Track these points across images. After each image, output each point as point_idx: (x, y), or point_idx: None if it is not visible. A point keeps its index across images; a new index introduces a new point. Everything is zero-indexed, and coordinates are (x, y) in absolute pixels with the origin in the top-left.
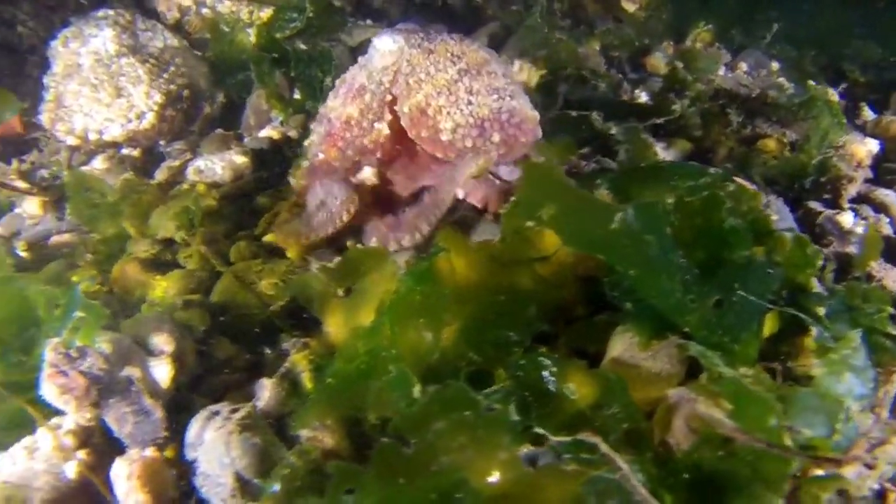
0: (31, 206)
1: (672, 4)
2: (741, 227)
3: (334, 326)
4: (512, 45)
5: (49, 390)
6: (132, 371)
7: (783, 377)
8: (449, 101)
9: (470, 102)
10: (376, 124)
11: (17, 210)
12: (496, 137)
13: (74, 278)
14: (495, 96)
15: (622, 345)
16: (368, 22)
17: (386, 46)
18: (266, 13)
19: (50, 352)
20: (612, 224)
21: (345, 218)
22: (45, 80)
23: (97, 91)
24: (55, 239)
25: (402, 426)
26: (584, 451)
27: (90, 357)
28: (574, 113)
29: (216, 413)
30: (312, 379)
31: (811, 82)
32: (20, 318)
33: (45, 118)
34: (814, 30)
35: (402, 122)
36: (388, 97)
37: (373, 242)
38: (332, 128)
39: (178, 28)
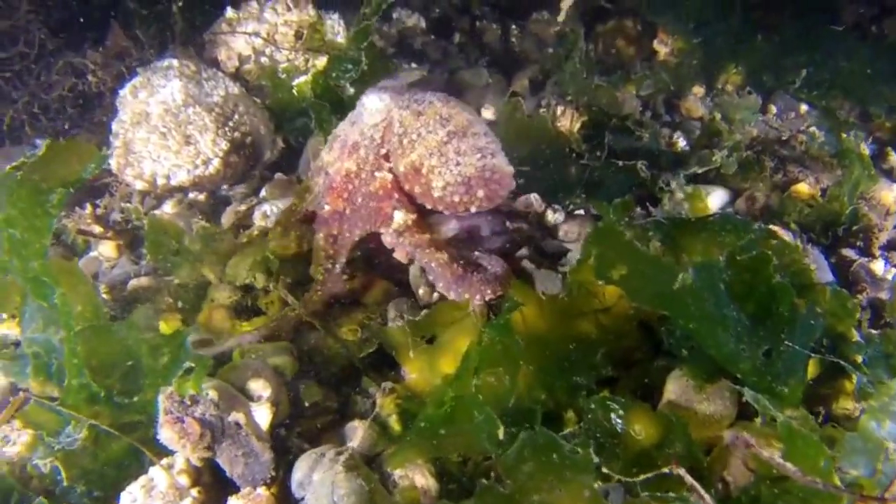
0: (106, 250)
1: (703, 48)
2: (787, 284)
3: (416, 373)
4: (550, 89)
5: (167, 435)
6: (238, 416)
7: (824, 418)
8: (440, 161)
9: (458, 163)
10: (377, 174)
11: (92, 253)
12: (480, 193)
13: (163, 325)
14: (479, 155)
15: (678, 388)
16: (413, 65)
17: (374, 105)
18: (321, 61)
19: (166, 399)
20: (676, 284)
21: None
22: (114, 127)
23: (166, 139)
24: (133, 283)
25: (499, 468)
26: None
27: (202, 404)
28: (620, 163)
29: (323, 455)
30: (399, 422)
31: (844, 135)
32: (121, 364)
33: (114, 163)
34: (841, 74)
35: (397, 177)
36: (383, 150)
37: (440, 287)
38: (332, 181)
39: (236, 76)
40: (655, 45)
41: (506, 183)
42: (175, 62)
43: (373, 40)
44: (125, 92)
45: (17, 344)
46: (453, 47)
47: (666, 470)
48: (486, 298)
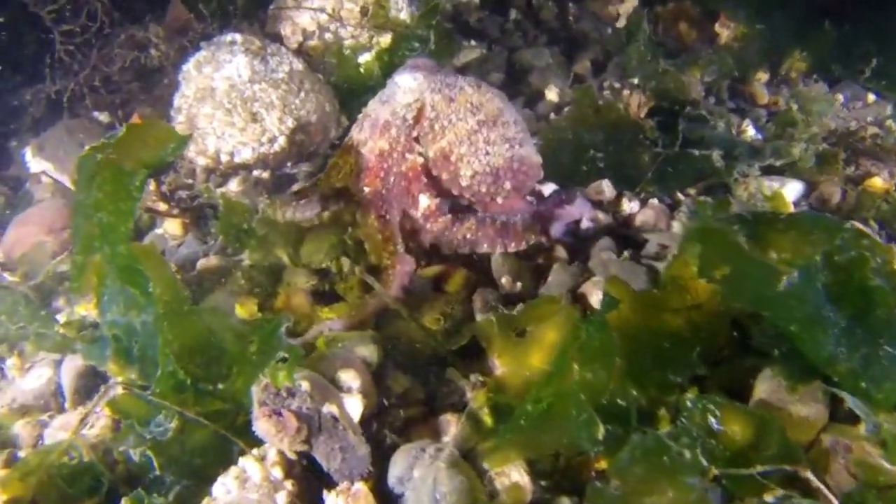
0: (172, 227)
1: (767, 33)
2: (885, 286)
3: (506, 366)
4: (612, 71)
5: (264, 428)
6: (332, 408)
7: None
8: (469, 150)
9: (487, 153)
10: (407, 155)
11: (158, 230)
12: (508, 185)
13: (239, 309)
14: (507, 145)
15: (770, 388)
16: (473, 43)
17: (408, 84)
18: (385, 38)
19: (261, 391)
20: (779, 286)
21: None
22: (176, 101)
23: (231, 115)
24: (202, 263)
25: (609, 469)
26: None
27: (299, 396)
28: (697, 152)
29: (423, 450)
30: (491, 416)
31: None
32: (206, 351)
33: None
34: None
35: (426, 163)
36: (414, 133)
37: (484, 248)
38: (367, 161)
39: (299, 51)
40: (717, 27)
41: (533, 174)
42: (238, 37)
43: (440, 19)
44: (189, 67)
45: (94, 326)
46: (510, 24)
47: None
48: (531, 243)
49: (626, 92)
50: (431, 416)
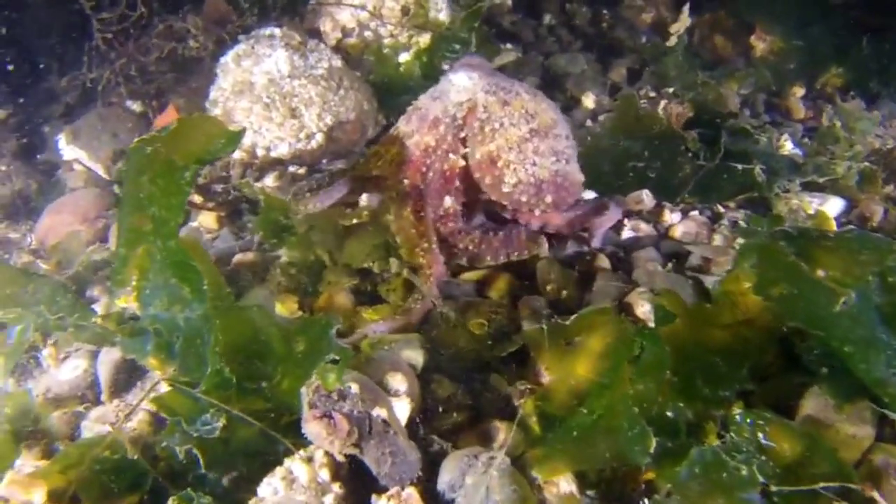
0: (207, 220)
1: (804, 48)
2: None
3: (554, 374)
4: (647, 80)
5: (315, 431)
6: (381, 412)
7: None
8: (518, 157)
9: (534, 163)
10: (451, 155)
11: (193, 223)
12: (548, 199)
13: (280, 307)
14: (554, 159)
15: (817, 405)
16: (508, 46)
17: (462, 83)
18: (424, 38)
19: (312, 393)
20: (836, 307)
21: None
22: (213, 94)
23: (269, 110)
24: (239, 257)
25: (669, 483)
26: None
27: (350, 399)
28: (739, 166)
29: (475, 457)
30: (539, 423)
31: None
32: (251, 349)
33: None
34: None
35: (470, 163)
36: (462, 133)
37: (487, 260)
38: (412, 155)
39: (337, 48)
40: (752, 40)
41: (574, 192)
42: (278, 31)
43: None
44: (227, 59)
45: (134, 319)
46: (543, 29)
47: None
48: (533, 253)
49: (663, 102)
50: (477, 421)
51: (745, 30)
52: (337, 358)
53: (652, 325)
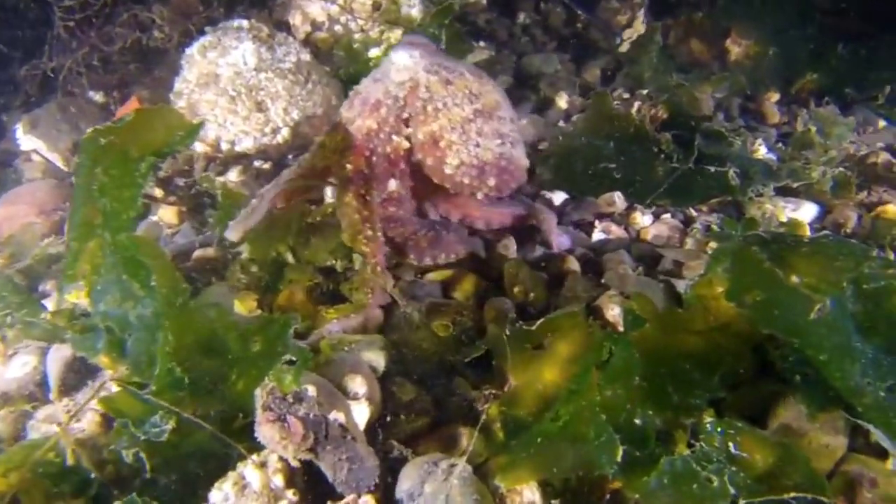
0: (167, 215)
1: (780, 53)
2: None
3: (520, 380)
4: (621, 81)
5: (268, 434)
6: (339, 416)
7: None
8: (461, 138)
9: (477, 144)
10: (394, 137)
11: (153, 217)
12: (491, 182)
13: (239, 304)
14: (499, 141)
15: (790, 414)
16: (482, 44)
17: (403, 62)
18: (396, 34)
19: (266, 395)
20: (811, 314)
21: None
22: (177, 86)
23: (235, 103)
24: (199, 253)
25: (636, 493)
26: None
27: (306, 402)
28: (713, 169)
29: (435, 465)
30: (503, 429)
31: None
32: (205, 349)
33: None
34: None
35: (412, 143)
36: (404, 115)
37: (410, 258)
38: (354, 140)
39: (306, 42)
40: (728, 44)
41: (518, 176)
42: (246, 23)
43: (452, 18)
44: (193, 51)
45: (85, 315)
46: (517, 28)
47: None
48: (460, 256)
49: (637, 103)
50: (438, 427)
51: (720, 34)
52: (294, 359)
53: (622, 329)
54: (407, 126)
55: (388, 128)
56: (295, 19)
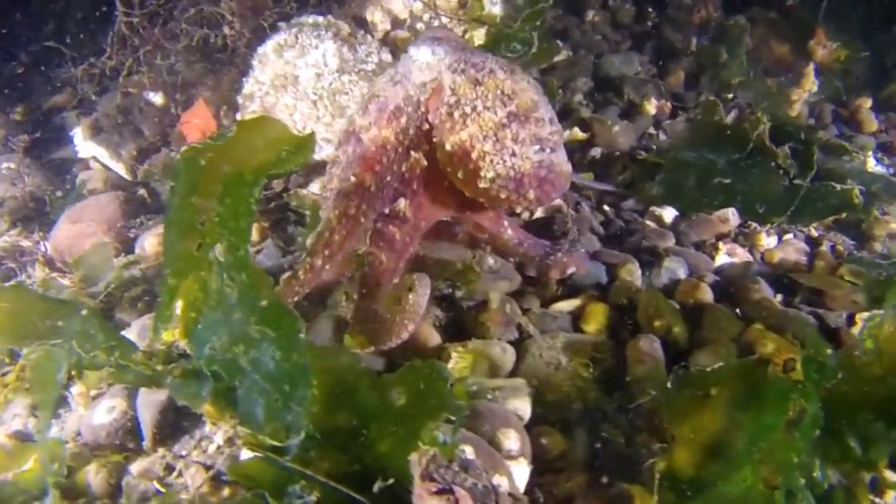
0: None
1: (871, 58)
2: None
3: (687, 433)
4: (706, 85)
5: None
6: (501, 480)
7: None
8: (495, 148)
9: (514, 154)
10: (412, 152)
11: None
12: (531, 195)
13: (348, 340)
14: (537, 147)
15: None
16: (559, 43)
17: (425, 58)
18: (479, 33)
19: (428, 462)
20: None
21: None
22: (248, 87)
23: (316, 107)
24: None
25: None
26: None
27: (472, 470)
28: (838, 187)
29: None
30: (672, 490)
31: None
32: (335, 400)
33: None
34: None
35: (439, 155)
36: (426, 125)
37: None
38: (366, 150)
39: (384, 41)
40: (812, 45)
41: (560, 185)
42: (322, 20)
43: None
44: (267, 49)
45: (184, 356)
46: (587, 26)
47: None
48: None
49: (732, 112)
50: (598, 484)
51: (802, 35)
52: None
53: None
54: (428, 140)
55: (408, 141)
56: (374, 16)
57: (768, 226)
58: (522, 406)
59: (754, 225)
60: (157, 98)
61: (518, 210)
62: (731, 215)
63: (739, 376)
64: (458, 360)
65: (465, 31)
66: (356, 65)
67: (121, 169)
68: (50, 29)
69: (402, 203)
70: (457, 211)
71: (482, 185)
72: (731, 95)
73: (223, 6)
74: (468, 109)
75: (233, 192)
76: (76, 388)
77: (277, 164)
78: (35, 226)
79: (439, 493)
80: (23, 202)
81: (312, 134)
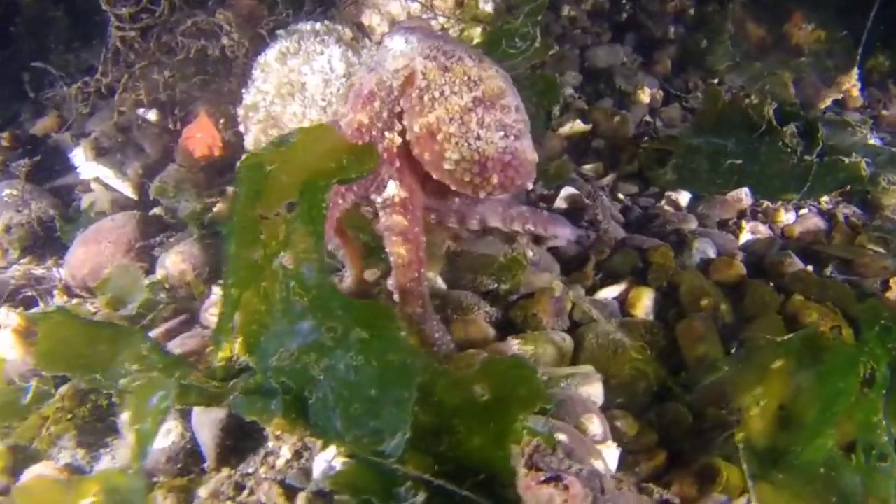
0: None
1: (850, 37)
2: None
3: (757, 404)
4: (693, 71)
5: (542, 498)
6: (598, 465)
7: None
8: (460, 130)
9: (479, 137)
10: (386, 133)
11: None
12: (494, 179)
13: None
14: (502, 133)
15: None
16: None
17: (399, 47)
18: (476, 32)
19: (533, 451)
20: None
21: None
22: (251, 97)
23: (326, 114)
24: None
25: None
26: None
27: (574, 455)
28: (846, 160)
29: None
30: (754, 460)
31: None
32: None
33: (250, 140)
34: None
35: (409, 137)
36: (398, 108)
37: (389, 284)
38: (343, 134)
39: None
40: (788, 27)
41: (525, 172)
42: (320, 25)
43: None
44: (269, 58)
45: (245, 371)
46: (564, 20)
47: None
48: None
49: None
50: (679, 460)
51: (778, 17)
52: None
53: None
54: (401, 120)
55: (381, 123)
56: (371, 20)
57: (779, 202)
58: (595, 392)
59: (765, 202)
60: (150, 115)
61: (482, 195)
62: (744, 195)
63: (805, 346)
64: (520, 351)
65: (462, 31)
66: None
67: (127, 188)
68: (30, 49)
69: (393, 186)
70: (432, 196)
71: (447, 166)
72: (716, 80)
73: (219, 17)
74: (437, 94)
75: (307, 198)
76: (126, 415)
77: (340, 171)
78: (46, 252)
79: (547, 481)
80: (30, 228)
81: (374, 147)
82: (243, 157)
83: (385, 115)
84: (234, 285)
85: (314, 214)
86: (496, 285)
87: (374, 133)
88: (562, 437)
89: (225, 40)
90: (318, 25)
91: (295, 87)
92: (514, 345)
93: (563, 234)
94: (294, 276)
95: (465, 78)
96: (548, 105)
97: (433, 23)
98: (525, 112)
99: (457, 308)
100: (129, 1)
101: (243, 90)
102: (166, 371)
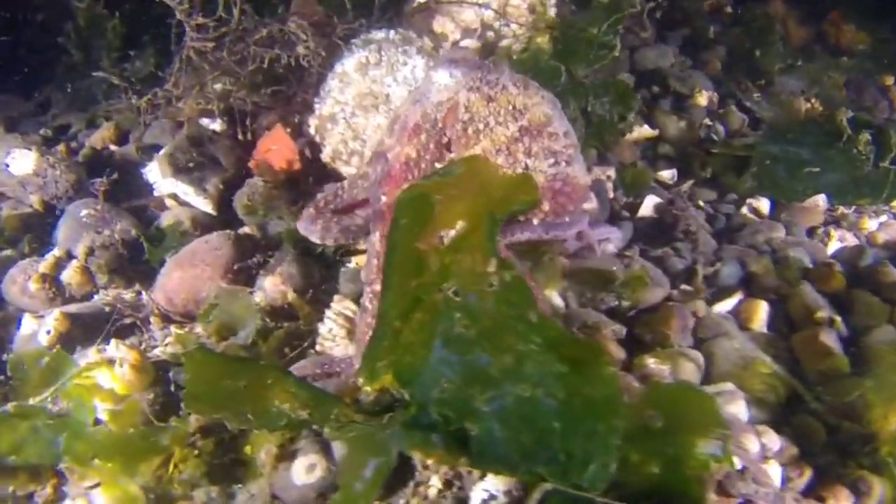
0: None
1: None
2: None
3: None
4: (743, 72)
5: None
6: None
7: None
8: (507, 161)
9: (526, 167)
10: (436, 164)
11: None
12: (546, 206)
13: None
14: (552, 160)
15: None
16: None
17: (443, 81)
18: (542, 39)
19: (720, 477)
20: None
21: None
22: (328, 108)
23: None
24: None
25: None
26: None
27: (758, 478)
28: None
29: None
30: None
31: None
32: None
33: (328, 152)
34: None
35: None
36: (444, 139)
37: None
38: (391, 168)
39: None
40: (825, 26)
41: (578, 197)
42: (394, 34)
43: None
44: (348, 68)
45: (397, 402)
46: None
47: None
48: None
49: (783, 96)
50: (826, 473)
51: (815, 18)
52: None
53: None
54: (449, 151)
55: (430, 156)
56: (444, 27)
57: (852, 208)
58: (740, 409)
59: (840, 208)
60: (215, 125)
61: (535, 222)
62: (821, 201)
63: None
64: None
65: (529, 38)
66: None
67: (207, 205)
68: (83, 58)
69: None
70: None
71: None
72: (762, 82)
73: (293, 25)
74: (481, 126)
75: (479, 230)
76: (267, 450)
77: (504, 203)
78: (133, 275)
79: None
80: (115, 251)
81: (530, 177)
82: (408, 186)
83: (432, 146)
84: (396, 317)
85: (486, 245)
86: (617, 302)
87: (423, 166)
88: (736, 459)
89: (301, 49)
90: (392, 34)
91: (379, 98)
92: (651, 363)
93: (615, 237)
94: (461, 306)
95: (510, 107)
96: (624, 111)
97: (504, 30)
98: (575, 136)
99: (582, 327)
100: (202, 10)
101: (315, 100)
102: (319, 410)
